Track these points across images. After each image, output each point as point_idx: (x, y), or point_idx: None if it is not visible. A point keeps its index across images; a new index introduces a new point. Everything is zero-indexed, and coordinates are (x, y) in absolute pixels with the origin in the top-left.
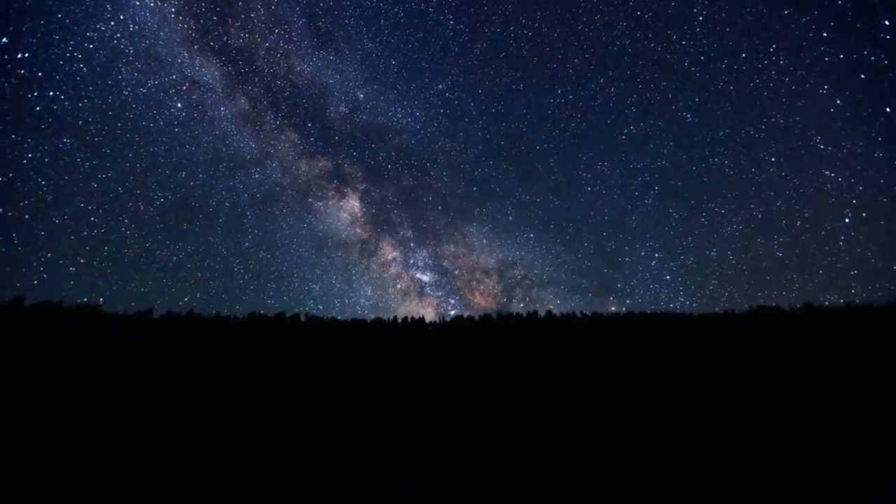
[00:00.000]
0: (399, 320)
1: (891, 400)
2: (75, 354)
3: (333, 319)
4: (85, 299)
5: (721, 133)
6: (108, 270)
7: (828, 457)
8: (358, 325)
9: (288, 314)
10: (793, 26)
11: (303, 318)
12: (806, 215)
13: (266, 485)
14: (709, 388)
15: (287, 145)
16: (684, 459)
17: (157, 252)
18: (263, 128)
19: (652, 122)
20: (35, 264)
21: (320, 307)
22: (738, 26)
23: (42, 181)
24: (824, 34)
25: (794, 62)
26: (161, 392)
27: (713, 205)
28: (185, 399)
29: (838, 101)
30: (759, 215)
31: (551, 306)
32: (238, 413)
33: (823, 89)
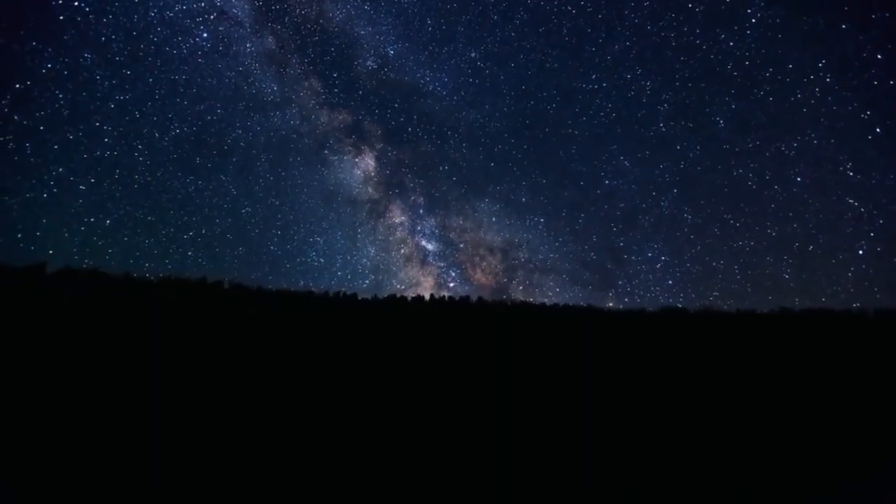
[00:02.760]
0: (332, 294)
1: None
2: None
3: (259, 289)
4: (92, 219)
5: (751, 145)
6: (118, 194)
7: (824, 455)
8: (288, 296)
9: (210, 279)
10: (847, 43)
11: (226, 286)
12: (820, 241)
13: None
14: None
15: (309, 93)
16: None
17: (168, 182)
18: (288, 71)
19: (683, 122)
20: (46, 177)
21: (321, 260)
22: (791, 35)
23: (59, 94)
24: (878, 56)
25: (840, 81)
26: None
27: (729, 216)
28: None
29: (878, 130)
30: (774, 234)
31: (550, 293)
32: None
33: (865, 114)
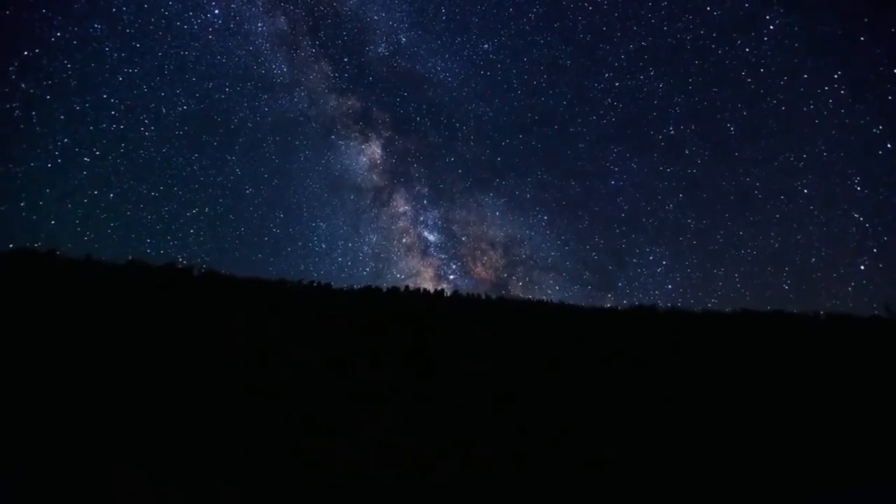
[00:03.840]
0: (305, 282)
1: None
2: None
3: (232, 276)
4: (95, 192)
5: (760, 154)
6: (122, 168)
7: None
8: (262, 284)
9: (181, 265)
10: (864, 56)
11: (195, 273)
12: (823, 254)
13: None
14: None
15: (319, 76)
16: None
17: (173, 159)
18: (298, 53)
19: (693, 127)
20: (51, 147)
21: (323, 245)
22: (808, 44)
23: (68, 63)
24: (895, 71)
25: (855, 94)
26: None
27: (733, 224)
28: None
29: (889, 145)
30: (777, 245)
31: (549, 291)
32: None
33: (878, 129)
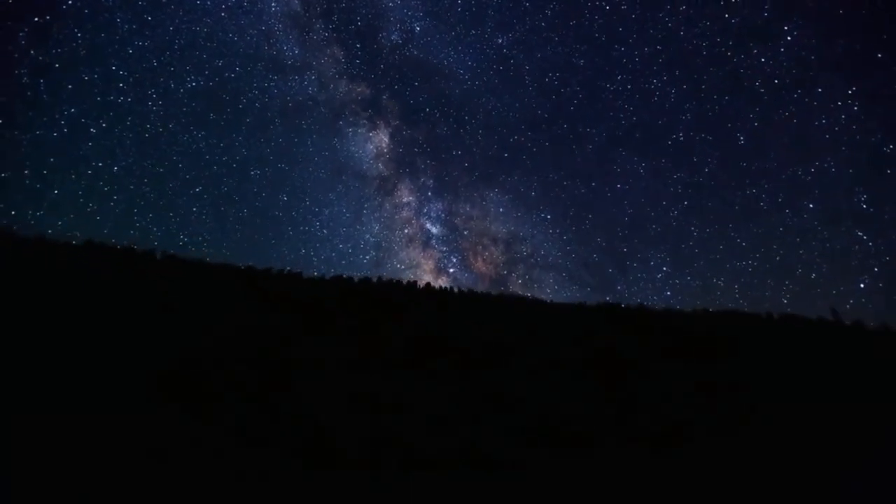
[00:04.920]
0: (275, 271)
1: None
2: None
3: (201, 262)
4: (100, 164)
5: (768, 165)
6: (128, 141)
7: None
8: (229, 269)
9: (140, 249)
10: (879, 73)
11: (159, 256)
12: (823, 270)
13: None
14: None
15: (330, 60)
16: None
17: (179, 135)
18: (311, 36)
19: (703, 135)
20: (57, 116)
21: (325, 231)
22: (824, 58)
23: (78, 33)
24: None
25: (867, 111)
26: None
27: (736, 235)
28: None
29: None
30: (778, 258)
31: (548, 290)
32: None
33: (888, 148)
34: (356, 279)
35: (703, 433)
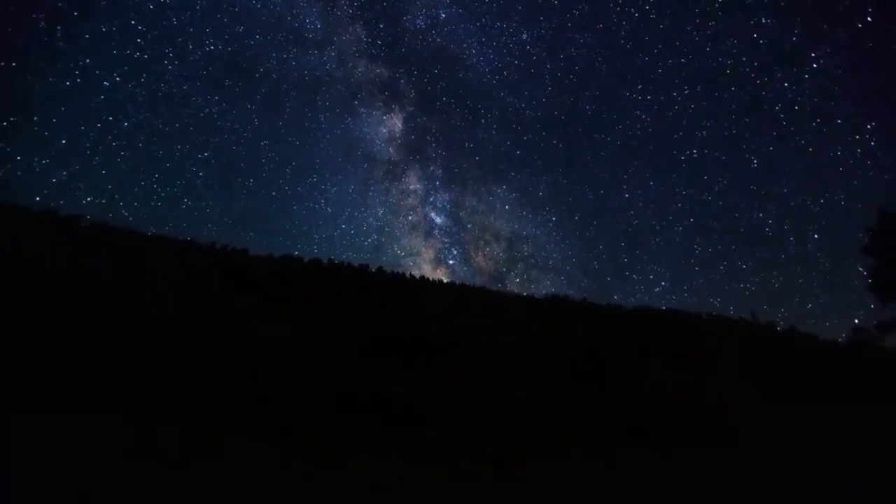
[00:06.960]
0: (219, 247)
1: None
2: None
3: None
4: (111, 118)
5: (778, 191)
6: (140, 98)
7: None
8: (163, 241)
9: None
10: None
11: (84, 223)
12: (821, 301)
13: None
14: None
15: (352, 38)
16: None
17: (192, 98)
18: (334, 11)
19: (717, 154)
20: (72, 65)
21: (329, 209)
22: (848, 87)
23: None
24: None
25: (884, 147)
26: None
27: (738, 258)
28: None
29: None
30: (777, 285)
31: (545, 292)
32: None
33: None
34: (356, 264)
35: (700, 433)
